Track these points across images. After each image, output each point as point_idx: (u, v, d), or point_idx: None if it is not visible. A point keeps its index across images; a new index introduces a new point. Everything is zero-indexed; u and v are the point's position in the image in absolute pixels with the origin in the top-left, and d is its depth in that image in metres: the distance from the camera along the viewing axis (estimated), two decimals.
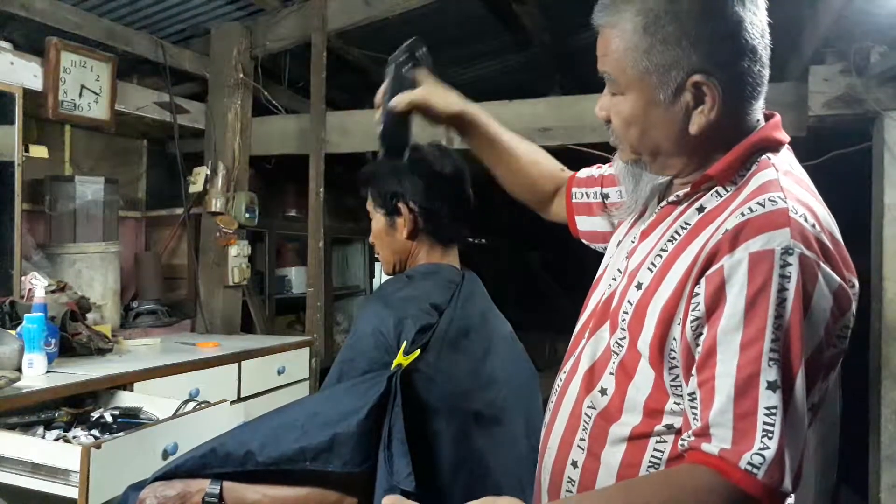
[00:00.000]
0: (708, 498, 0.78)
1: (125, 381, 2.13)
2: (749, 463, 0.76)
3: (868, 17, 2.30)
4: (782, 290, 0.78)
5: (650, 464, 0.90)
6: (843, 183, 2.23)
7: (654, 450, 0.90)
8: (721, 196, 0.90)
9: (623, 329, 0.92)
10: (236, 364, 2.65)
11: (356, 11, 3.25)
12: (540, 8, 3.45)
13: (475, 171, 1.38)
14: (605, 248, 1.15)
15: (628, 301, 0.93)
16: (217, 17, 3.31)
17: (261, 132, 3.52)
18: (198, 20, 3.28)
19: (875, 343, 2.51)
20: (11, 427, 1.80)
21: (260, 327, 3.82)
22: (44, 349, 2.07)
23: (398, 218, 1.33)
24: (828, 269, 0.81)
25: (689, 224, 0.91)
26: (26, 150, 2.59)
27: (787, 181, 0.87)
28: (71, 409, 1.97)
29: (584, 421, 0.96)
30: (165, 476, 1.17)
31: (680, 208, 0.94)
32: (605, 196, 1.21)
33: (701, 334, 0.82)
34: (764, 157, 0.91)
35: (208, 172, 3.31)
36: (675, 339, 0.86)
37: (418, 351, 1.16)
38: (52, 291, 2.43)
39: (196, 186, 3.31)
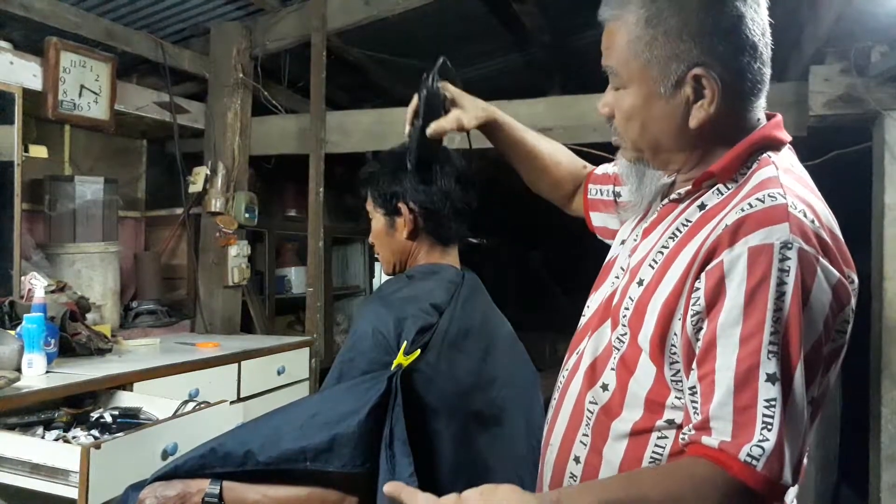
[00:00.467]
0: (708, 490, 0.79)
1: (125, 382, 2.13)
2: (749, 455, 0.77)
3: (868, 16, 2.30)
4: (781, 283, 0.78)
5: (652, 459, 0.91)
6: (844, 183, 2.23)
7: (656, 445, 0.90)
8: (722, 194, 0.91)
9: (624, 325, 0.93)
10: (236, 364, 2.64)
11: (356, 11, 3.24)
12: (540, 8, 3.45)
13: (475, 171, 1.38)
14: None
15: (629, 297, 0.94)
16: (217, 17, 3.31)
17: (260, 132, 3.52)
18: (197, 20, 3.28)
19: (875, 343, 2.50)
20: (11, 427, 1.80)
21: (260, 327, 3.82)
22: (43, 349, 2.07)
23: (398, 218, 1.33)
24: (826, 263, 0.82)
25: (690, 221, 0.92)
26: (26, 150, 2.59)
27: (787, 178, 0.88)
28: (70, 409, 1.96)
29: (587, 417, 0.97)
30: (165, 476, 1.16)
31: (681, 206, 0.96)
32: (617, 194, 1.23)
33: (701, 329, 0.83)
34: (765, 155, 0.92)
35: (208, 172, 3.31)
36: (675, 334, 0.86)
37: (418, 351, 1.16)
38: (52, 291, 2.43)
39: (196, 186, 3.31)
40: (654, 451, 0.91)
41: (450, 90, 1.23)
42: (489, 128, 1.29)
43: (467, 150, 1.27)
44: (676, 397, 0.88)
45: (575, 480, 0.97)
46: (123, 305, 3.18)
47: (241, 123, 3.43)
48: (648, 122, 0.93)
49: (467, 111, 1.24)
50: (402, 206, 1.32)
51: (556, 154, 1.35)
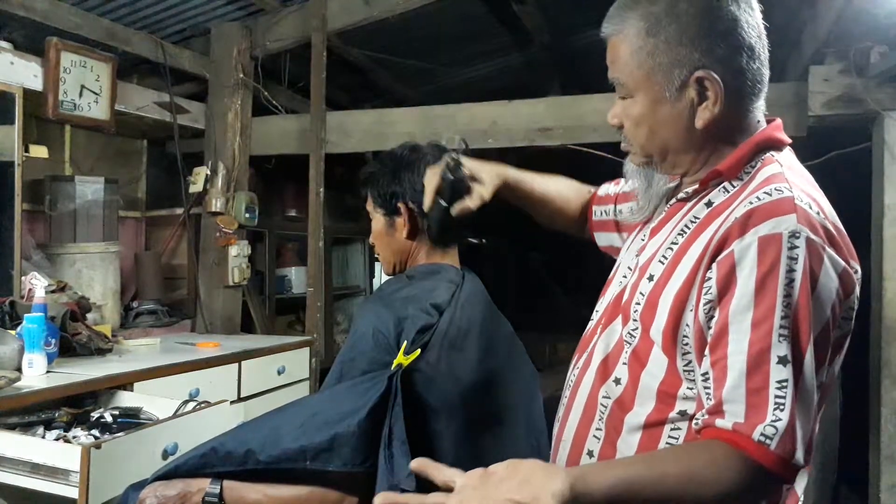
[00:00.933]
0: (724, 470, 0.81)
1: (125, 381, 2.13)
2: (762, 434, 0.80)
3: (868, 17, 2.30)
4: (790, 270, 0.82)
5: None
6: (843, 183, 2.23)
7: (669, 437, 0.93)
8: (728, 191, 0.95)
9: (635, 320, 0.97)
10: (236, 364, 2.65)
11: (356, 11, 3.25)
12: (540, 8, 3.46)
13: None
14: None
15: (640, 293, 0.98)
16: (217, 18, 3.31)
17: (261, 132, 3.52)
18: (198, 20, 3.28)
19: (875, 343, 2.51)
20: (11, 427, 1.80)
21: (260, 327, 3.82)
22: (44, 349, 2.07)
23: (398, 218, 1.33)
24: (832, 252, 0.86)
25: (698, 218, 0.96)
26: (26, 150, 2.59)
27: (791, 174, 0.93)
28: (71, 409, 1.97)
29: (600, 411, 1.00)
30: (166, 476, 1.17)
31: (689, 205, 1.00)
32: (618, 212, 1.29)
33: (713, 316, 0.86)
34: (768, 154, 0.97)
35: (208, 172, 3.31)
36: (687, 324, 0.90)
37: (418, 351, 1.16)
38: (52, 291, 2.43)
39: (196, 186, 3.31)
40: (667, 443, 0.93)
41: (467, 166, 1.25)
42: (503, 188, 1.31)
43: (465, 152, 1.28)
44: (688, 388, 0.91)
45: None
46: (124, 305, 3.19)
47: (242, 124, 3.43)
48: (656, 126, 0.98)
49: (486, 184, 1.25)
50: (401, 206, 1.32)
51: (565, 192, 1.38)
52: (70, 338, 2.30)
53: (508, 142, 3.13)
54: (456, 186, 1.22)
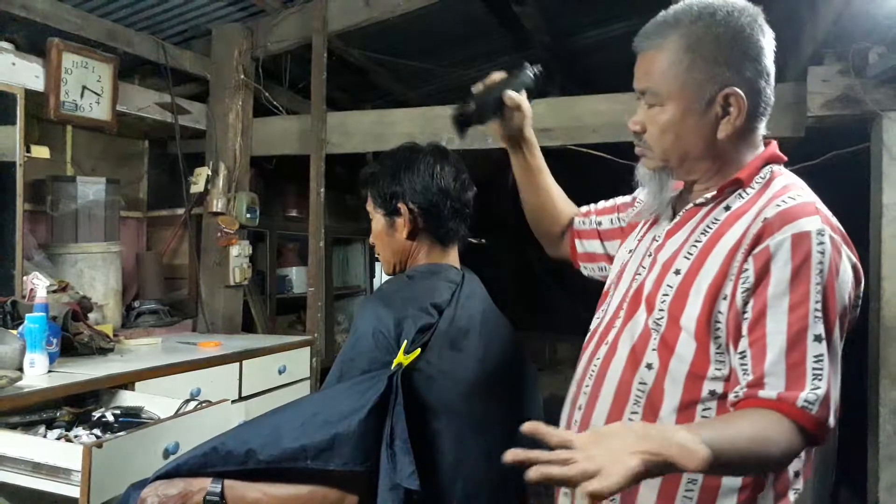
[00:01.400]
0: (784, 432, 0.92)
1: (126, 381, 2.14)
2: (805, 401, 0.93)
3: (866, 17, 2.30)
4: (820, 262, 0.96)
5: None
6: (841, 183, 2.24)
7: (702, 416, 1.02)
8: (743, 197, 1.07)
9: (661, 309, 1.06)
10: (237, 363, 2.65)
11: (357, 12, 3.25)
12: (540, 9, 3.46)
13: (475, 171, 1.39)
14: (596, 269, 1.41)
15: (667, 285, 1.07)
16: (218, 19, 3.32)
17: (262, 133, 3.53)
18: (199, 21, 3.29)
19: (873, 343, 2.51)
20: (13, 426, 1.81)
21: (261, 327, 3.83)
22: (45, 349, 2.08)
23: (398, 218, 1.34)
24: (846, 248, 1.01)
25: (719, 220, 1.07)
26: (28, 151, 2.60)
27: (800, 184, 1.07)
28: (72, 408, 1.97)
29: (636, 396, 1.07)
30: (167, 475, 1.17)
31: (706, 209, 1.10)
32: (598, 223, 1.41)
33: (749, 302, 0.98)
34: (775, 167, 1.10)
35: (209, 173, 3.32)
36: (720, 312, 1.01)
37: (418, 350, 1.17)
38: (54, 291, 2.44)
39: (197, 187, 3.32)
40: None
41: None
42: (521, 145, 1.38)
43: (464, 151, 1.29)
44: (716, 369, 1.01)
45: None
46: (125, 305, 3.20)
47: (243, 124, 3.44)
48: (683, 133, 1.08)
49: (526, 115, 1.34)
50: (401, 206, 1.33)
51: (561, 201, 1.47)
52: (72, 337, 2.30)
53: None
54: (524, 83, 1.31)
